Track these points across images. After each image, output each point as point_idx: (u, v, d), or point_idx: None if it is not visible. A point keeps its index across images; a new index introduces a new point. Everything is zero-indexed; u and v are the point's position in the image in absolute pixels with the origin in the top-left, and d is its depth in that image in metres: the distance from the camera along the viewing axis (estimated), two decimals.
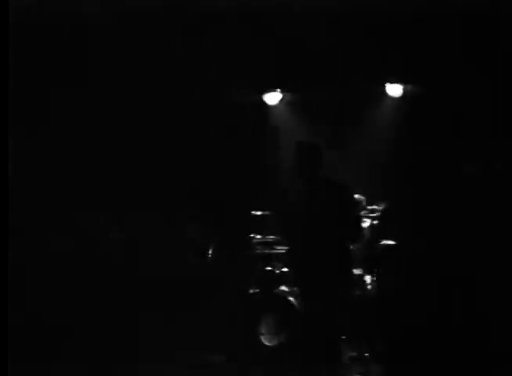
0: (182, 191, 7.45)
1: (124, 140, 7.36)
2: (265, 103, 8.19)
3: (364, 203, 6.66)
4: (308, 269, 5.13)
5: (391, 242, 6.34)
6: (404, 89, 7.73)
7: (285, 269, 6.60)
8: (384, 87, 7.81)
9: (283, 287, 6.55)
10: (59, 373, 5.84)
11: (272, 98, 8.18)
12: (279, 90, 8.09)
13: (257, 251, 6.88)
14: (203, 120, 7.76)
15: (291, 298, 6.36)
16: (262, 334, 6.40)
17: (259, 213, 6.99)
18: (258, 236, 6.94)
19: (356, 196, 6.00)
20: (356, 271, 6.03)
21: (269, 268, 6.68)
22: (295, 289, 6.12)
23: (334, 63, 7.17)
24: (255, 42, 7.03)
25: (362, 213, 6.41)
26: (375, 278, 6.36)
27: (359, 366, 5.95)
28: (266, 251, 6.87)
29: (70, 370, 5.84)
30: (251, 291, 6.66)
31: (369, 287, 6.38)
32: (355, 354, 6.08)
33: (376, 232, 6.50)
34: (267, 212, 6.92)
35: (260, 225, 6.97)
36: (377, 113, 7.95)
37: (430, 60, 7.02)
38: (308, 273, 5.14)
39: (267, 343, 6.39)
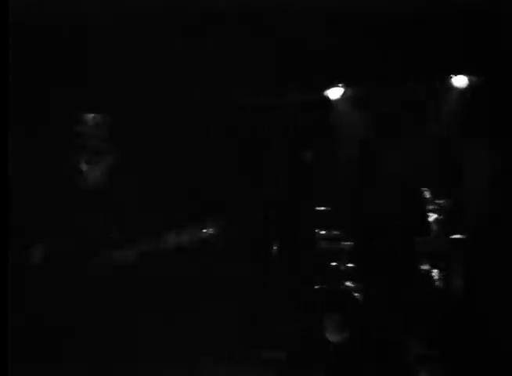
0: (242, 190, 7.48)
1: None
2: (327, 99, 8.17)
3: (430, 197, 6.56)
4: (374, 265, 5.19)
5: (458, 236, 6.29)
6: (469, 80, 7.66)
7: (350, 265, 6.58)
8: (450, 78, 7.76)
9: (348, 283, 6.52)
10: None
11: (335, 93, 8.17)
12: (340, 85, 8.06)
13: (322, 247, 6.87)
14: (268, 117, 7.77)
15: (356, 294, 6.33)
16: (327, 331, 6.35)
17: (323, 208, 6.99)
18: (322, 232, 6.93)
19: (422, 190, 5.97)
20: (423, 266, 6.02)
21: (334, 263, 6.68)
22: (361, 285, 6.15)
23: (397, 56, 7.12)
24: (317, 36, 6.97)
25: (428, 208, 6.35)
26: (442, 274, 6.28)
27: (424, 364, 5.77)
28: (330, 247, 6.86)
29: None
30: (316, 287, 6.63)
31: (436, 282, 6.29)
32: (420, 352, 5.90)
33: (443, 226, 6.42)
34: (331, 208, 6.93)
35: (324, 220, 6.95)
36: (443, 106, 7.84)
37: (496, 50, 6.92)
38: (374, 269, 5.20)
39: (332, 339, 6.33)
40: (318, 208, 7.05)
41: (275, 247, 6.66)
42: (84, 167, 4.45)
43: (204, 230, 4.11)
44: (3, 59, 4.30)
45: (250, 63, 7.18)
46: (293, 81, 7.62)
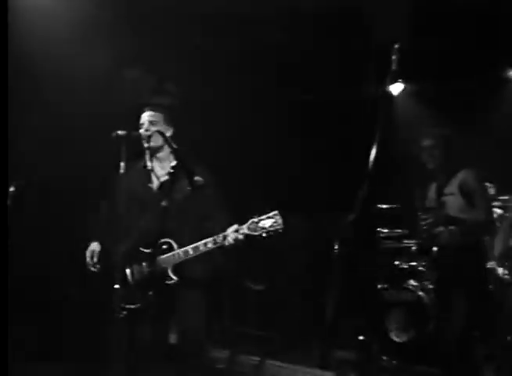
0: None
1: None
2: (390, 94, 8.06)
3: (494, 193, 6.42)
4: (442, 263, 5.18)
5: None
6: None
7: (413, 263, 6.47)
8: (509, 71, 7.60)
9: (412, 282, 6.42)
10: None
11: (395, 88, 8.06)
12: (400, 80, 7.97)
13: (385, 246, 6.79)
14: (328, 114, 7.77)
15: (421, 293, 6.22)
16: (391, 330, 6.29)
17: (385, 206, 6.92)
18: (385, 230, 6.85)
19: (486, 185, 5.86)
20: (489, 264, 5.85)
21: (397, 262, 6.58)
22: (425, 283, 6.06)
23: (455, 50, 7.01)
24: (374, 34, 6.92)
25: (493, 204, 6.14)
26: (508, 271, 6.05)
27: (492, 364, 5.70)
28: (394, 245, 6.78)
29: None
30: (380, 286, 6.57)
31: (502, 280, 6.04)
32: (488, 352, 5.77)
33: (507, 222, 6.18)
34: (393, 205, 6.84)
35: (387, 218, 6.88)
36: (503, 99, 7.74)
37: None
38: (442, 268, 5.19)
39: (396, 339, 6.27)
40: (381, 206, 6.98)
41: (336, 246, 6.61)
42: (149, 165, 4.52)
43: (264, 225, 4.10)
44: (3, 60, 4.32)
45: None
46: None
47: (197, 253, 4.18)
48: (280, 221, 4.08)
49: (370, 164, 6.45)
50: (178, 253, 4.22)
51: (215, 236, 4.16)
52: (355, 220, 6.43)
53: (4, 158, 4.19)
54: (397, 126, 8.01)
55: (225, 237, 4.14)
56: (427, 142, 5.45)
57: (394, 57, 6.86)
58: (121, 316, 4.12)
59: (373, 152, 6.57)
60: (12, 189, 5.23)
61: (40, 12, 6.28)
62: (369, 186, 6.39)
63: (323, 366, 5.97)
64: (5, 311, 3.95)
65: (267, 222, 4.08)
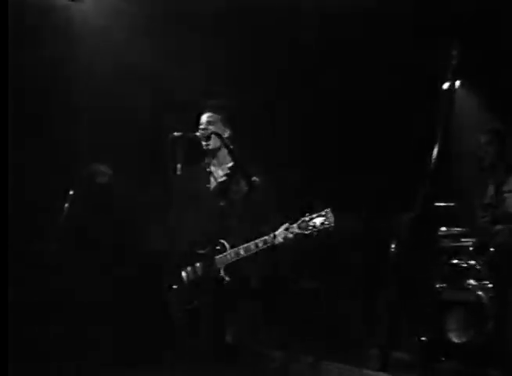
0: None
1: None
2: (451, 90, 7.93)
3: None
4: (501, 261, 5.14)
5: None
6: None
7: (472, 262, 6.32)
8: None
9: (471, 281, 6.26)
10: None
11: (455, 84, 7.94)
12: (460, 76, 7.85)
13: (443, 244, 6.66)
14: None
15: (480, 293, 6.07)
16: (450, 331, 6.14)
17: (443, 204, 6.81)
18: (443, 229, 6.82)
19: None
20: None
21: (456, 261, 6.47)
22: (484, 282, 6.00)
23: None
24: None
25: None
26: None
27: None
28: (452, 244, 6.60)
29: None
30: (437, 286, 6.45)
31: None
32: None
33: None
34: (451, 203, 6.76)
35: (445, 216, 6.76)
36: None
37: None
38: (501, 266, 5.15)
39: (455, 340, 6.11)
40: (439, 204, 6.88)
41: (393, 245, 6.54)
42: (209, 168, 4.58)
43: (315, 224, 4.11)
44: (3, 61, 4.40)
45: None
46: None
47: (248, 253, 4.23)
48: (332, 219, 4.08)
49: (432, 161, 6.38)
50: (229, 253, 4.28)
51: (266, 237, 4.19)
52: (415, 218, 6.38)
53: (4, 158, 4.28)
54: (457, 123, 7.88)
55: (275, 236, 4.17)
56: (482, 139, 5.41)
57: (454, 52, 6.77)
58: (179, 316, 4.20)
59: (435, 149, 6.51)
60: (71, 192, 5.31)
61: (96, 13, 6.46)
62: (431, 184, 6.33)
63: (380, 368, 5.92)
64: (6, 311, 4.05)
65: (318, 221, 4.09)
